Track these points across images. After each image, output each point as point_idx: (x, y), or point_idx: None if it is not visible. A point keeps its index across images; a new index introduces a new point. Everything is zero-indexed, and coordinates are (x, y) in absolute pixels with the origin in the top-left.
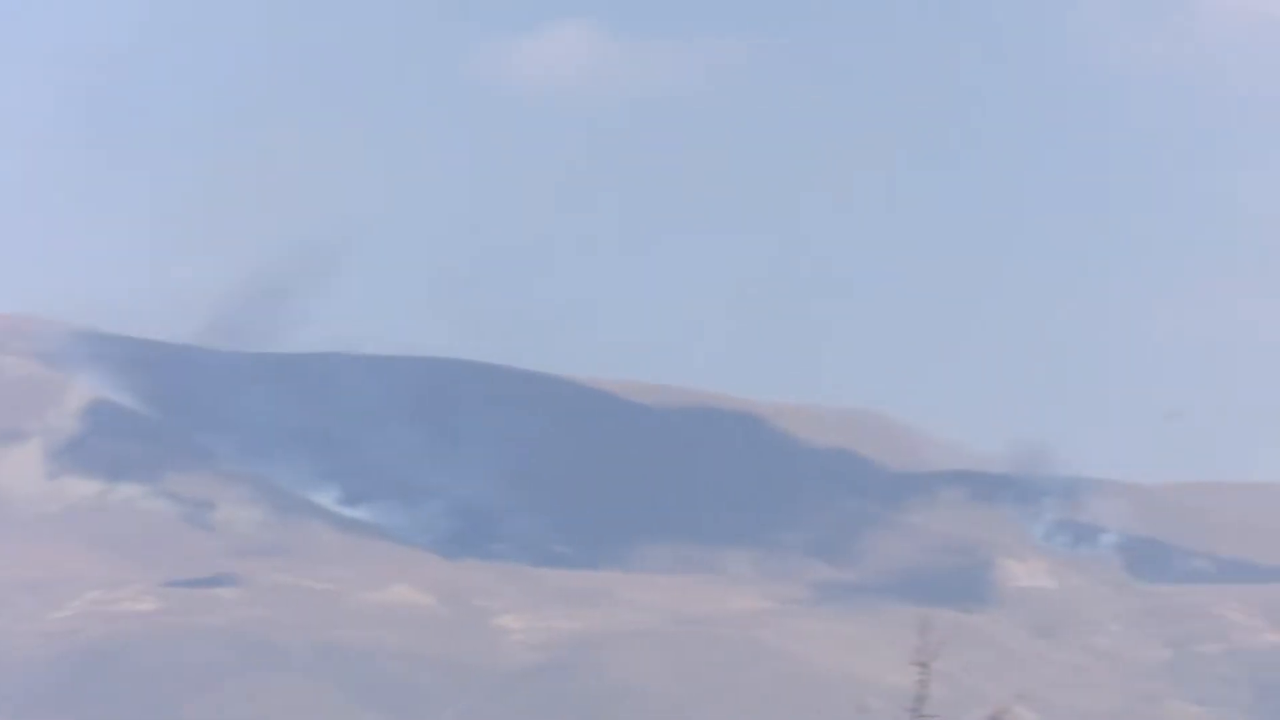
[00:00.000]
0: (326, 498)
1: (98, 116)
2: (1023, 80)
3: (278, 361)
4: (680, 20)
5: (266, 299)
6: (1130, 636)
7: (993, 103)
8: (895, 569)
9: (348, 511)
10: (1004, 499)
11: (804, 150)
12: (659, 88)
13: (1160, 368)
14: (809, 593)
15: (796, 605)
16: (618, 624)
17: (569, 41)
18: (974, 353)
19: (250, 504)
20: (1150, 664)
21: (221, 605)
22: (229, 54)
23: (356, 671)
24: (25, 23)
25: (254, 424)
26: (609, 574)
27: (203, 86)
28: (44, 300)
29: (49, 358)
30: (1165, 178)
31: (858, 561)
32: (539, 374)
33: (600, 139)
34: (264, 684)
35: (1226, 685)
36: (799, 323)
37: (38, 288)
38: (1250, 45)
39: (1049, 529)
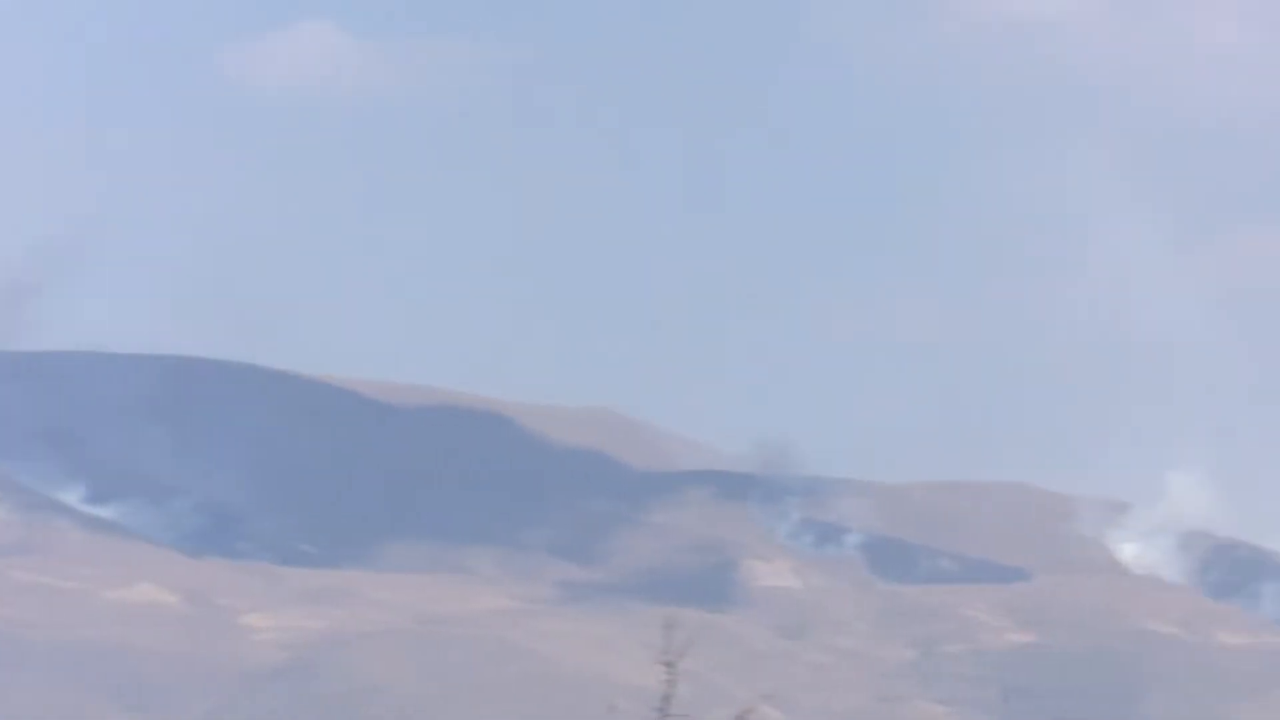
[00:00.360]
0: (72, 496)
1: None
2: (772, 80)
3: (21, 360)
4: (425, 21)
5: (8, 298)
6: (875, 636)
7: (743, 103)
8: (642, 568)
9: (93, 510)
10: (749, 499)
11: (548, 149)
12: (402, 88)
13: (904, 367)
14: (556, 592)
15: (543, 605)
16: (364, 623)
17: (312, 41)
18: (719, 352)
19: None
20: (895, 664)
21: None
22: None
23: (102, 670)
24: None
25: None
26: (355, 573)
27: None
28: None
29: None
30: (907, 178)
31: (604, 561)
32: (285, 373)
33: (345, 138)
34: (9, 682)
35: (971, 685)
36: (546, 322)
37: None
38: (993, 48)
39: (794, 529)
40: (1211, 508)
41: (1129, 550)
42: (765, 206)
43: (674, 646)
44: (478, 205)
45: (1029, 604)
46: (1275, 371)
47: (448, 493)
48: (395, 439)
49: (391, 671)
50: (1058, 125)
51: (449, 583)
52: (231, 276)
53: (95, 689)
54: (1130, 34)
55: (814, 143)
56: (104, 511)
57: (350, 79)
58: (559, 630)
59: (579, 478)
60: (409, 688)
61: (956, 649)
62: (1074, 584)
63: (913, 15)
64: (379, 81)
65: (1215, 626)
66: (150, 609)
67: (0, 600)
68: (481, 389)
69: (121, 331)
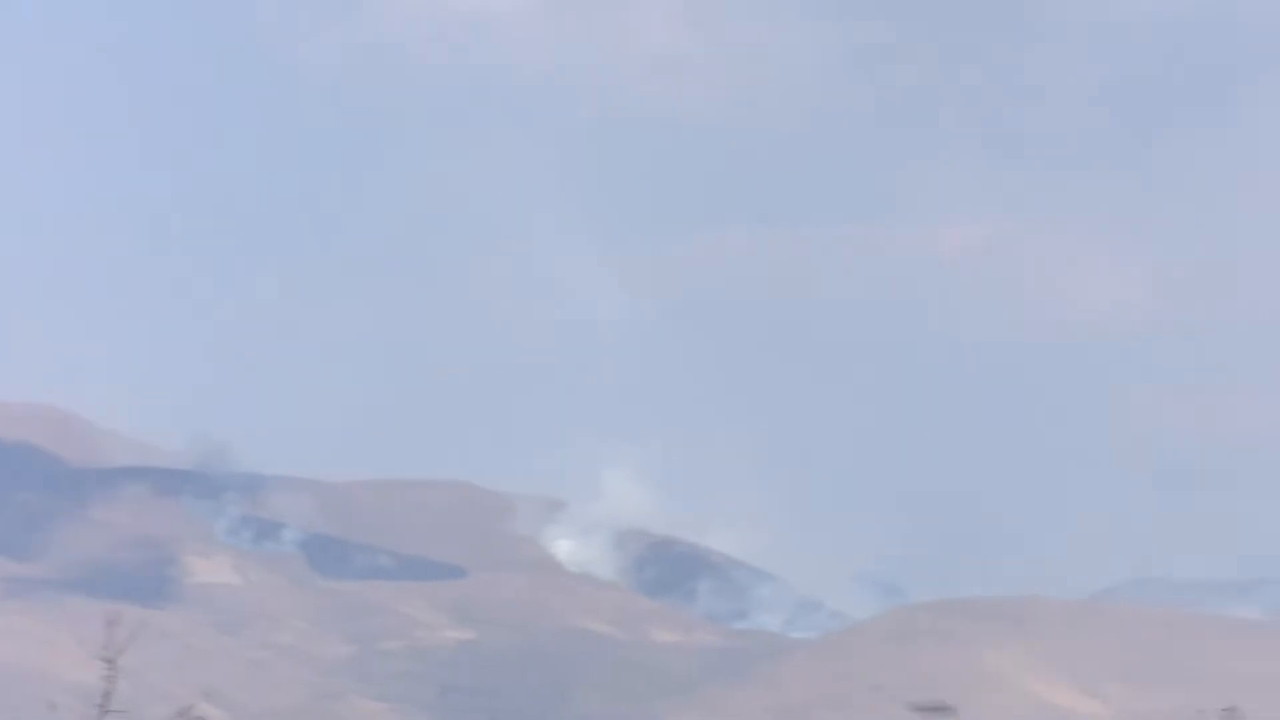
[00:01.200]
0: None
1: None
2: (212, 76)
3: None
4: None
5: None
6: (313, 633)
7: (181, 99)
8: (80, 564)
9: None
10: (186, 494)
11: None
12: None
13: (344, 365)
14: None
15: None
16: None
17: None
18: (156, 348)
19: None
20: (333, 660)
21: None
22: None
23: None
24: None
25: None
26: None
27: None
28: None
29: None
30: (348, 177)
31: (41, 556)
32: None
33: None
34: None
35: (409, 681)
36: None
37: None
38: (432, 46)
39: (232, 525)
40: (648, 506)
41: (565, 547)
42: (209, 200)
43: (114, 643)
44: None
45: (465, 601)
46: (714, 373)
47: None
48: None
49: None
50: (498, 124)
51: None
52: None
53: None
54: (567, 35)
55: (250, 140)
56: None
57: None
58: None
59: (15, 472)
60: None
61: (394, 645)
62: (510, 581)
63: (347, 12)
64: None
65: (648, 624)
66: None
67: None
68: None
69: None
